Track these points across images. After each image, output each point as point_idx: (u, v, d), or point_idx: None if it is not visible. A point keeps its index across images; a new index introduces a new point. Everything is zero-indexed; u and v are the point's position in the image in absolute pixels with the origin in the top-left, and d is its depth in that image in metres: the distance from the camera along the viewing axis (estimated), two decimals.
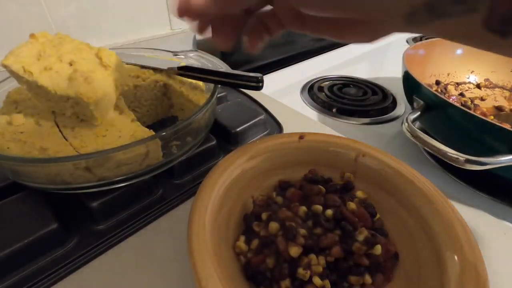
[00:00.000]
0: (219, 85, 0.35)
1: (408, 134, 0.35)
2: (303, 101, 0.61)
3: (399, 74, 0.50)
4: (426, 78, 0.56)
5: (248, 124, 0.41)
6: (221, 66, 0.41)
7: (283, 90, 0.64)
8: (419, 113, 0.39)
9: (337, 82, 0.68)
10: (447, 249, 0.22)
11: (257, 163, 0.29)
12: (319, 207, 0.26)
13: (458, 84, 0.58)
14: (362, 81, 0.68)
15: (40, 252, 0.26)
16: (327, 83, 0.67)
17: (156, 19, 0.57)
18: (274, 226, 0.25)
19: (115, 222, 0.30)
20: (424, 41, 0.57)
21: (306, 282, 0.22)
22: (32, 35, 0.29)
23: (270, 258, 0.23)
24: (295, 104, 0.58)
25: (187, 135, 0.31)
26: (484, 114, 0.49)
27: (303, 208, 0.26)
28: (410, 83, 0.45)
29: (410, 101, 0.45)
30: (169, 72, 0.41)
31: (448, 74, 0.58)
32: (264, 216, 0.26)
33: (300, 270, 0.22)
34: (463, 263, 0.21)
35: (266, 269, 0.23)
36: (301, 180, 0.30)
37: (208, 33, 0.23)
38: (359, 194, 0.29)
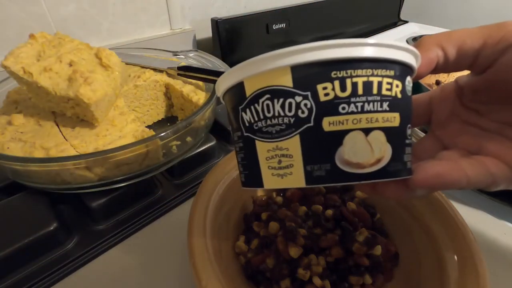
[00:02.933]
0: None
1: None
2: None
3: None
4: (425, 78, 0.56)
5: None
6: (221, 66, 0.41)
7: None
8: None
9: None
10: (447, 249, 0.22)
11: None
12: (319, 207, 0.26)
13: None
14: None
15: (40, 252, 0.26)
16: None
17: (156, 19, 0.57)
18: (274, 226, 0.25)
19: (115, 222, 0.30)
20: None
21: (306, 282, 0.22)
22: (31, 36, 0.29)
23: (270, 258, 0.23)
24: None
25: (187, 135, 0.31)
26: None
27: (303, 208, 0.26)
28: None
29: None
30: (169, 72, 0.41)
31: (448, 74, 0.58)
32: (264, 216, 0.26)
33: (300, 270, 0.22)
34: (463, 263, 0.21)
35: (266, 269, 0.23)
36: None
37: None
38: (359, 194, 0.28)
